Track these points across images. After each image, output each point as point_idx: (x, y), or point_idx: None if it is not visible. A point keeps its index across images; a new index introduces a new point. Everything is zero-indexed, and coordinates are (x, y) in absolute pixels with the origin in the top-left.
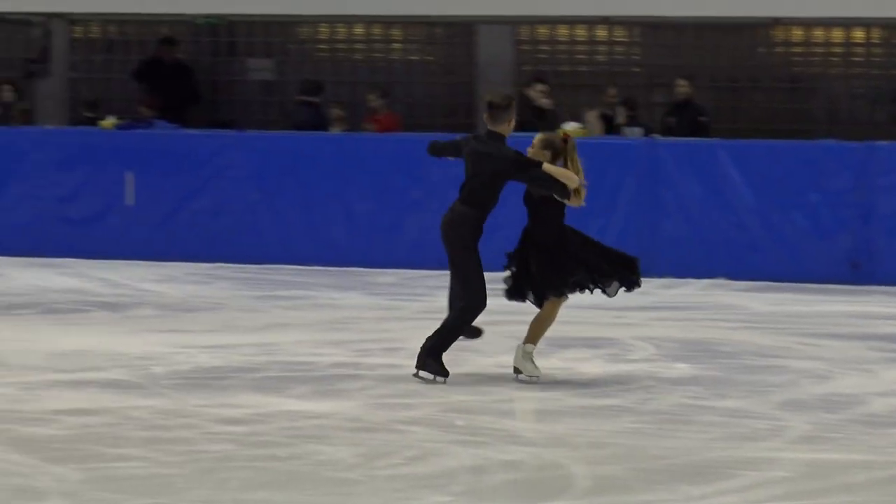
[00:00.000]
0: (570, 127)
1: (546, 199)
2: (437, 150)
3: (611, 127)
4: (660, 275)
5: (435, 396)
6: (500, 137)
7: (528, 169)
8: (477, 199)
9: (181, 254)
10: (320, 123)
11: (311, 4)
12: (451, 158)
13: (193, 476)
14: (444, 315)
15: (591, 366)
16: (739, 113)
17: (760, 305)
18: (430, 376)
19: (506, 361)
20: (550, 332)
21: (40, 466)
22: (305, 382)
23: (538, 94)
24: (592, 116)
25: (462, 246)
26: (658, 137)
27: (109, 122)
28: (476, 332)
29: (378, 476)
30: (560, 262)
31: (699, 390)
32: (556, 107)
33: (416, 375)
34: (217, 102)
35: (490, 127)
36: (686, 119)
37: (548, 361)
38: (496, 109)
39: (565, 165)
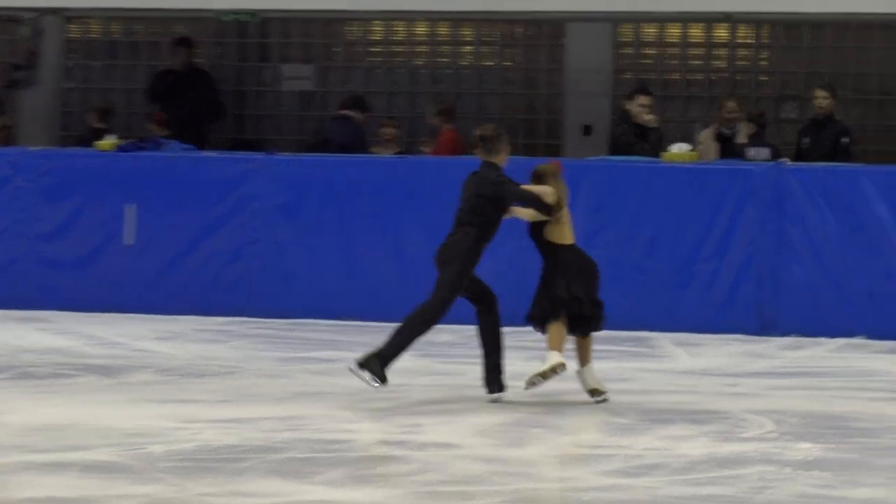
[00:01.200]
0: (679, 149)
1: (540, 231)
2: None
3: (729, 149)
4: (783, 332)
5: (498, 483)
6: (496, 167)
7: (504, 185)
8: (462, 222)
9: (190, 306)
10: (358, 144)
11: None
12: None
13: None
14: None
15: (694, 445)
16: (891, 133)
17: None
18: (367, 377)
19: (589, 441)
20: (647, 404)
21: None
22: (338, 465)
23: (641, 109)
24: (706, 136)
25: (441, 261)
26: (787, 162)
27: (108, 142)
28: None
29: None
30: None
31: (828, 476)
32: (663, 124)
33: (350, 369)
34: (243, 118)
35: (485, 158)
36: (824, 139)
37: (641, 440)
38: (487, 141)
39: None
